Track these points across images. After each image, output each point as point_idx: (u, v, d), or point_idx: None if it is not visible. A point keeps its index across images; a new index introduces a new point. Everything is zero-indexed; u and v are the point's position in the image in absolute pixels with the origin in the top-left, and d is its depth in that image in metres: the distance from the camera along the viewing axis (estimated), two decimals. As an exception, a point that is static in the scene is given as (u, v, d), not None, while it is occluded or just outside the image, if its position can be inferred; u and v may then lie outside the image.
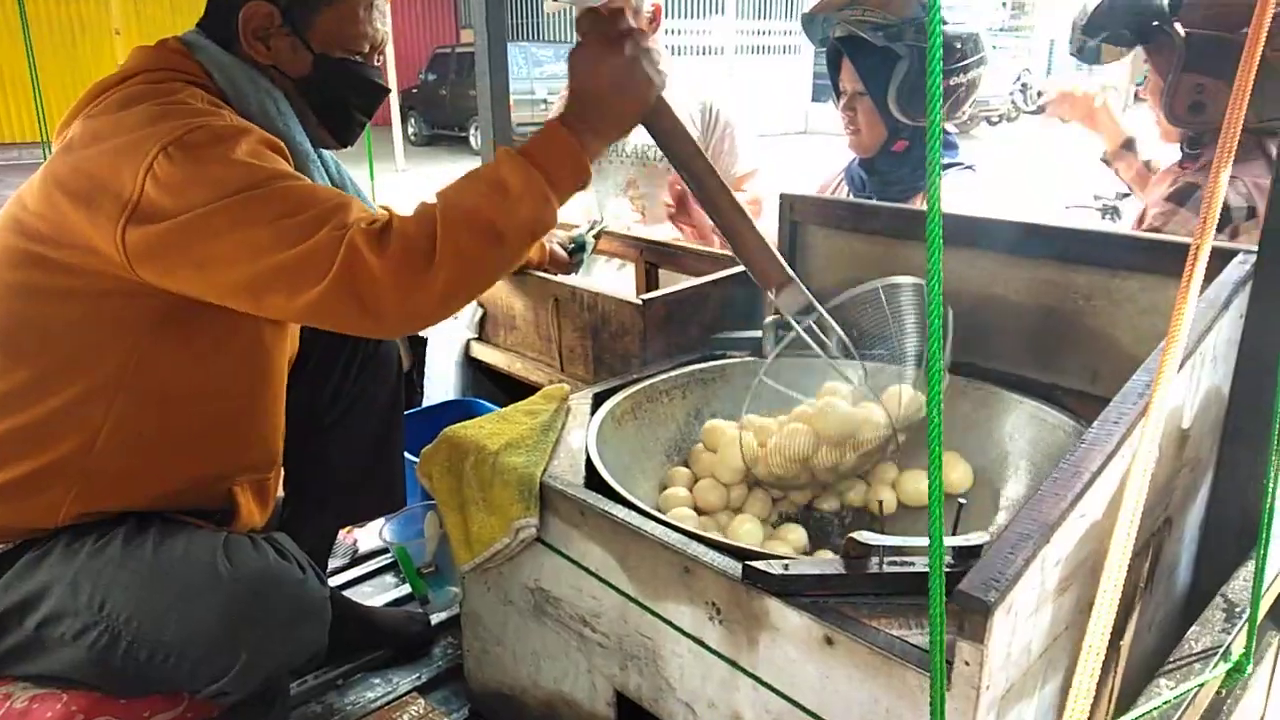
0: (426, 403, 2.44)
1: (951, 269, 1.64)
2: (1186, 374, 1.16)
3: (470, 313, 2.29)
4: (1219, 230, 1.85)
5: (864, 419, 1.42)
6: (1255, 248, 1.31)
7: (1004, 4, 24.28)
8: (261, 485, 1.50)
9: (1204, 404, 1.27)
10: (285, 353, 1.50)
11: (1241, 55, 0.86)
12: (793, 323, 1.41)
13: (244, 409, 1.43)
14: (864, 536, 1.04)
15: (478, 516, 1.38)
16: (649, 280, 2.41)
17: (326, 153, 1.54)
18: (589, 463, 1.36)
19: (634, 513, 1.22)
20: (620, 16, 1.26)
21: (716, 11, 18.44)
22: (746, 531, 1.40)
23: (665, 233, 2.48)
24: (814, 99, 19.22)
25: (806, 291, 1.41)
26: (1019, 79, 20.16)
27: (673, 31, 17.17)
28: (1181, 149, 2.09)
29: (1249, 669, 1.19)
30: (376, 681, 1.74)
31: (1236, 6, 1.82)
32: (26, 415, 1.26)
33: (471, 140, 15.41)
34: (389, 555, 2.12)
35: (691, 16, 18.34)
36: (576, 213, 2.78)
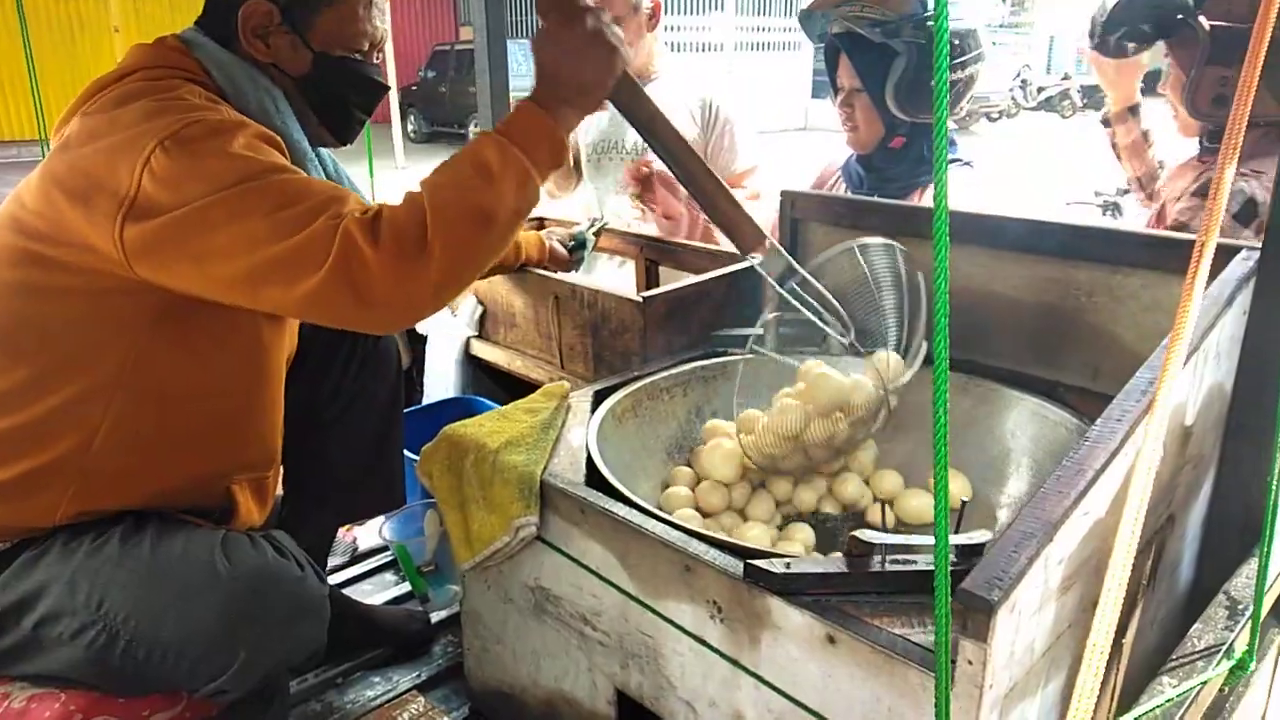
0: (426, 400, 2.43)
1: (953, 265, 1.63)
2: (1190, 371, 1.16)
3: (470, 310, 2.29)
4: (1246, 225, 1.84)
5: (854, 385, 1.44)
6: (1258, 244, 1.30)
7: (1004, 0, 24.27)
8: (260, 484, 1.49)
9: (1207, 401, 1.27)
10: (284, 351, 1.49)
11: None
12: (775, 285, 1.44)
13: (242, 407, 1.42)
14: (866, 535, 1.03)
15: (478, 515, 1.38)
16: (649, 278, 2.41)
17: (325, 151, 1.54)
18: (589, 461, 1.36)
19: (635, 511, 1.21)
20: None
21: (716, 8, 18.43)
22: (754, 537, 1.40)
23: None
24: (814, 95, 19.21)
25: (785, 253, 1.44)
26: (1019, 75, 20.18)
27: (672, 28, 17.16)
28: (1201, 143, 2.08)
29: (1252, 666, 1.19)
30: (376, 680, 1.73)
31: None
32: (24, 414, 1.25)
33: (471, 137, 15.39)
34: (389, 553, 2.11)
35: (691, 13, 18.33)
36: (577, 210, 2.78)
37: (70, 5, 13.95)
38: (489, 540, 1.35)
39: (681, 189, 2.25)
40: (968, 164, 2.22)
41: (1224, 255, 1.31)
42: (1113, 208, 5.84)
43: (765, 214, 2.34)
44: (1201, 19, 1.89)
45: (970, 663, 0.85)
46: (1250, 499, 1.35)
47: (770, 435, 1.44)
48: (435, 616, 1.87)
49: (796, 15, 2.22)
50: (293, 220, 1.11)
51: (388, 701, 1.67)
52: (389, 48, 2.01)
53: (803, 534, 1.43)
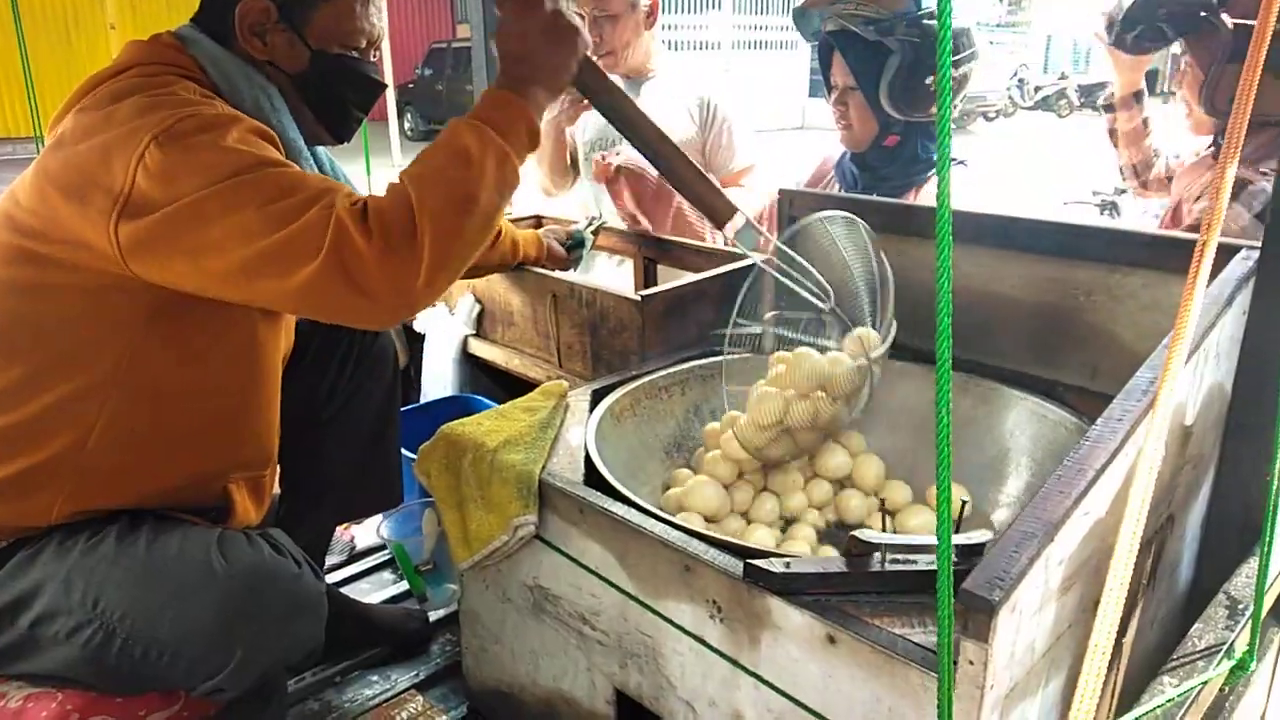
0: (424, 399, 2.43)
1: (953, 265, 1.63)
2: (1190, 370, 1.16)
3: (468, 309, 2.28)
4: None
5: (832, 361, 1.45)
6: (1258, 244, 1.30)
7: (1001, 0, 24.29)
8: (257, 483, 1.49)
9: (1207, 400, 1.26)
10: (280, 349, 1.49)
11: None
12: (753, 256, 1.48)
13: (238, 406, 1.42)
14: (866, 534, 1.03)
15: (476, 514, 1.37)
16: (648, 276, 2.41)
17: (322, 150, 1.53)
18: (588, 460, 1.36)
19: (634, 510, 1.21)
20: None
21: (713, 7, 18.41)
22: (759, 539, 1.40)
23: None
24: (811, 94, 19.22)
25: (755, 224, 1.47)
26: (1016, 75, 20.19)
27: (669, 27, 17.15)
28: (1215, 141, 2.08)
29: (1252, 666, 1.19)
30: (374, 679, 1.73)
31: None
32: (19, 413, 1.25)
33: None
34: (387, 552, 2.11)
35: (688, 12, 18.30)
36: (575, 209, 2.77)
37: (66, 2, 13.90)
38: (487, 539, 1.35)
39: (649, 183, 2.26)
40: (961, 163, 2.23)
41: (1224, 254, 1.30)
42: (1110, 207, 5.85)
43: (754, 204, 2.34)
44: (1224, 16, 1.89)
45: (971, 663, 0.84)
46: (1250, 498, 1.35)
47: (752, 427, 1.45)
48: (433, 615, 1.87)
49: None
50: (286, 212, 1.11)
51: (386, 700, 1.66)
52: (385, 45, 2.01)
53: (806, 533, 1.43)
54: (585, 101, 1.55)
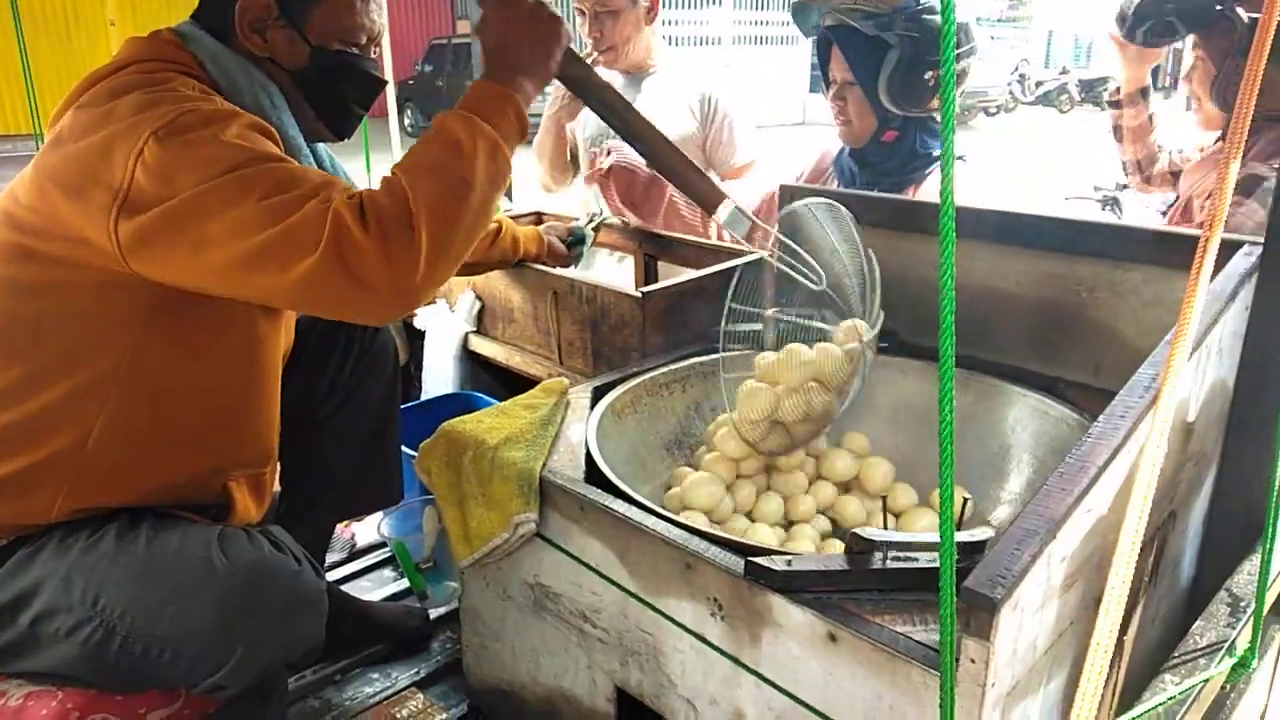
0: (424, 396, 2.42)
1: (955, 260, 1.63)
2: (1192, 367, 1.15)
3: (468, 305, 2.28)
4: None
5: (821, 350, 1.46)
6: (1260, 239, 1.30)
7: (1002, -5, 24.23)
8: (257, 480, 1.49)
9: (1209, 397, 1.26)
10: (279, 347, 1.49)
11: None
12: (743, 241, 1.51)
13: (239, 403, 1.42)
14: (867, 532, 1.03)
15: (476, 511, 1.37)
16: (648, 273, 2.40)
17: (322, 147, 1.53)
18: (589, 457, 1.35)
19: (635, 508, 1.21)
20: None
21: (714, 2, 18.38)
22: (763, 538, 1.39)
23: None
24: (811, 90, 19.18)
25: (744, 210, 1.48)
26: (1017, 70, 20.16)
27: (670, 22, 17.11)
28: (1225, 136, 2.08)
29: (1254, 664, 1.18)
30: (375, 676, 1.73)
31: None
32: (19, 411, 1.24)
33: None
34: (387, 550, 2.11)
35: (689, 7, 18.27)
36: (576, 205, 2.77)
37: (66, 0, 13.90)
38: (488, 537, 1.34)
39: (639, 178, 2.26)
40: (959, 158, 2.22)
41: (1226, 250, 1.30)
42: (1112, 203, 5.84)
43: (754, 199, 2.33)
44: (1239, 10, 1.88)
45: (973, 661, 0.84)
46: (1252, 496, 1.35)
47: (745, 424, 1.45)
48: (434, 613, 1.87)
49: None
50: (284, 205, 1.10)
51: (386, 698, 1.66)
52: (385, 41, 2.00)
53: (810, 534, 1.42)
54: None
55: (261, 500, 1.51)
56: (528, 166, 2.79)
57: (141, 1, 13.05)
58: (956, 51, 2.09)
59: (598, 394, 1.55)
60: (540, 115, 2.65)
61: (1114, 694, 1.17)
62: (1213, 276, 1.23)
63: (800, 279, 1.46)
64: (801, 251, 1.46)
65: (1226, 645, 1.17)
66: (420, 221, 1.11)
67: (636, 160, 2.27)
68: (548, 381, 1.58)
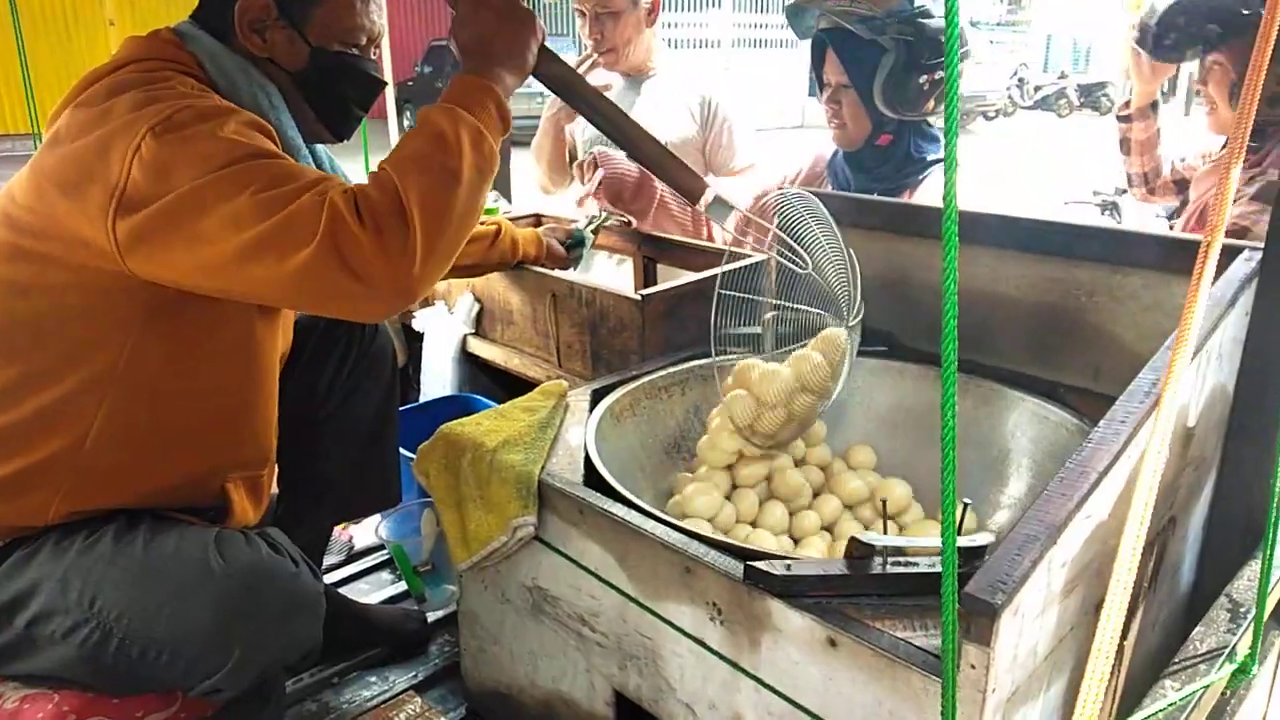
0: (423, 398, 2.42)
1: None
2: (1193, 372, 1.15)
3: (467, 308, 2.28)
4: None
5: (798, 360, 1.46)
6: (1260, 244, 1.30)
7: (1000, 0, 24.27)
8: (255, 482, 1.48)
9: (1209, 402, 1.26)
10: (277, 348, 1.48)
11: None
12: (726, 229, 1.54)
13: (236, 405, 1.41)
14: (867, 537, 1.02)
15: (475, 514, 1.37)
16: (647, 275, 2.40)
17: (321, 147, 1.53)
18: (588, 460, 1.35)
19: (634, 511, 1.21)
20: None
21: (713, 5, 18.40)
22: (759, 542, 1.39)
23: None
24: (810, 93, 19.13)
25: (730, 199, 1.50)
26: (1016, 74, 20.17)
27: (670, 25, 17.13)
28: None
29: (1254, 670, 1.18)
30: (372, 680, 1.72)
31: None
32: (16, 412, 1.24)
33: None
34: (385, 552, 2.10)
35: (688, 10, 18.29)
36: (574, 208, 2.76)
37: (65, -1, 13.89)
38: (486, 540, 1.34)
39: (627, 180, 2.26)
40: None
41: (1226, 255, 1.30)
42: (1111, 207, 5.84)
43: (746, 192, 2.33)
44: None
45: (973, 667, 0.84)
46: (1252, 501, 1.35)
47: (723, 433, 1.47)
48: (432, 616, 1.86)
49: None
50: (280, 198, 1.11)
51: (384, 702, 1.66)
52: (385, 42, 2.00)
53: (816, 544, 1.42)
54: None
55: (259, 502, 1.51)
56: (527, 168, 2.79)
57: (140, 1, 13.04)
58: None
59: (597, 397, 1.55)
60: (534, 116, 2.66)
61: (1114, 700, 1.17)
62: (1213, 281, 1.24)
63: (786, 263, 1.47)
64: (784, 236, 1.48)
65: (1227, 651, 1.17)
66: (412, 211, 1.12)
67: (623, 166, 2.27)
68: (546, 384, 1.57)
